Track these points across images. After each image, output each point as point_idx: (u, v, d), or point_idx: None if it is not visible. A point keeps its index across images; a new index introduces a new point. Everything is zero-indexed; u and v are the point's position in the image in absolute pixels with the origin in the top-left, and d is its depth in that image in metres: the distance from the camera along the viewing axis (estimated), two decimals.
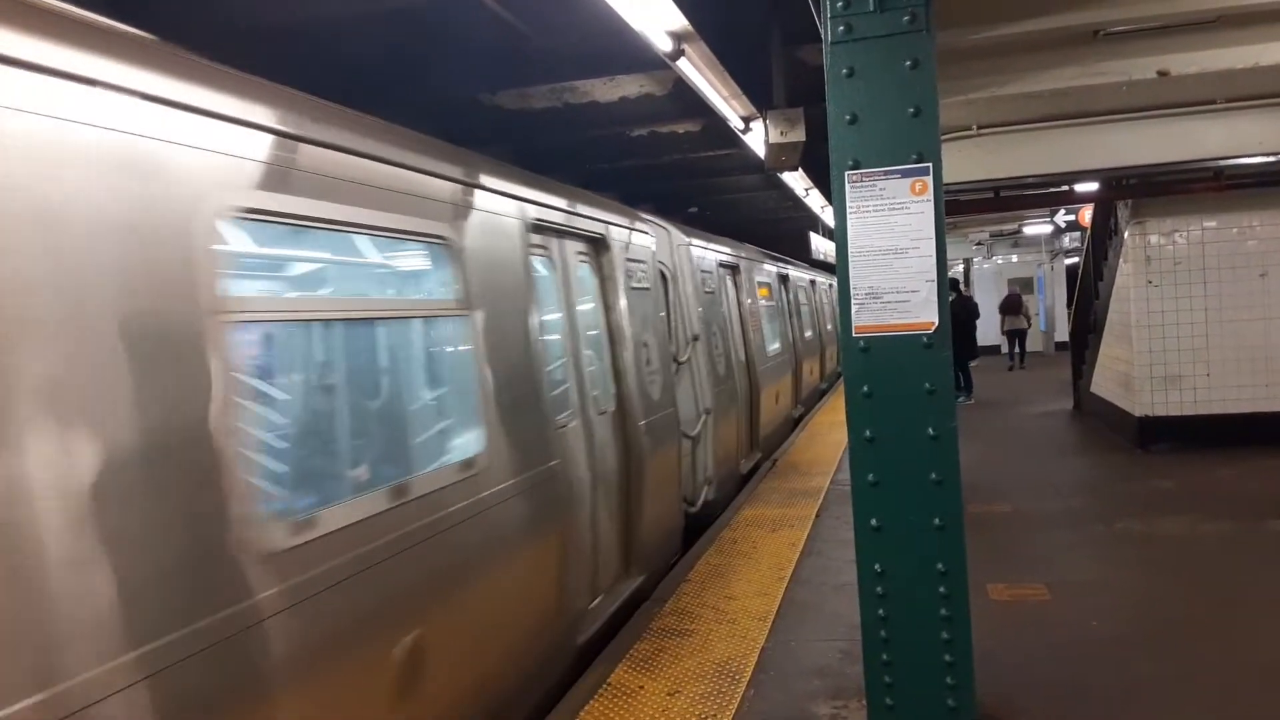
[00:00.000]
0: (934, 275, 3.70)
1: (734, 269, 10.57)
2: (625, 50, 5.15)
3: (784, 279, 14.76)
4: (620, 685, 4.61)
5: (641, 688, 4.57)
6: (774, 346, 12.60)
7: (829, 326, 19.69)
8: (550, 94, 7.11)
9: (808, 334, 16.18)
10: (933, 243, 3.69)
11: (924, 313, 3.72)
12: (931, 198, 3.69)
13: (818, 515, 7.86)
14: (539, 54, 5.68)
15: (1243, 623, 5.06)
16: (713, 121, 7.14)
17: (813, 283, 18.38)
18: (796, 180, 9.87)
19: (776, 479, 9.73)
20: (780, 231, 17.54)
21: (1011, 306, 22.28)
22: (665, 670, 4.76)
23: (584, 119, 7.68)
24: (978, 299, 22.22)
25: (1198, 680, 4.33)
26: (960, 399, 15.46)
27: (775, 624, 5.36)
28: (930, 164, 3.69)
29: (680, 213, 13.17)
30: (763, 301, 12.39)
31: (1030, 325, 22.98)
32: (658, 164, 10.02)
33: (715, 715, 4.22)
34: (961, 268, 27.79)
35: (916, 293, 3.72)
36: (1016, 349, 22.25)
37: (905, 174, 3.71)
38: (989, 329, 23.88)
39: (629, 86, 6.91)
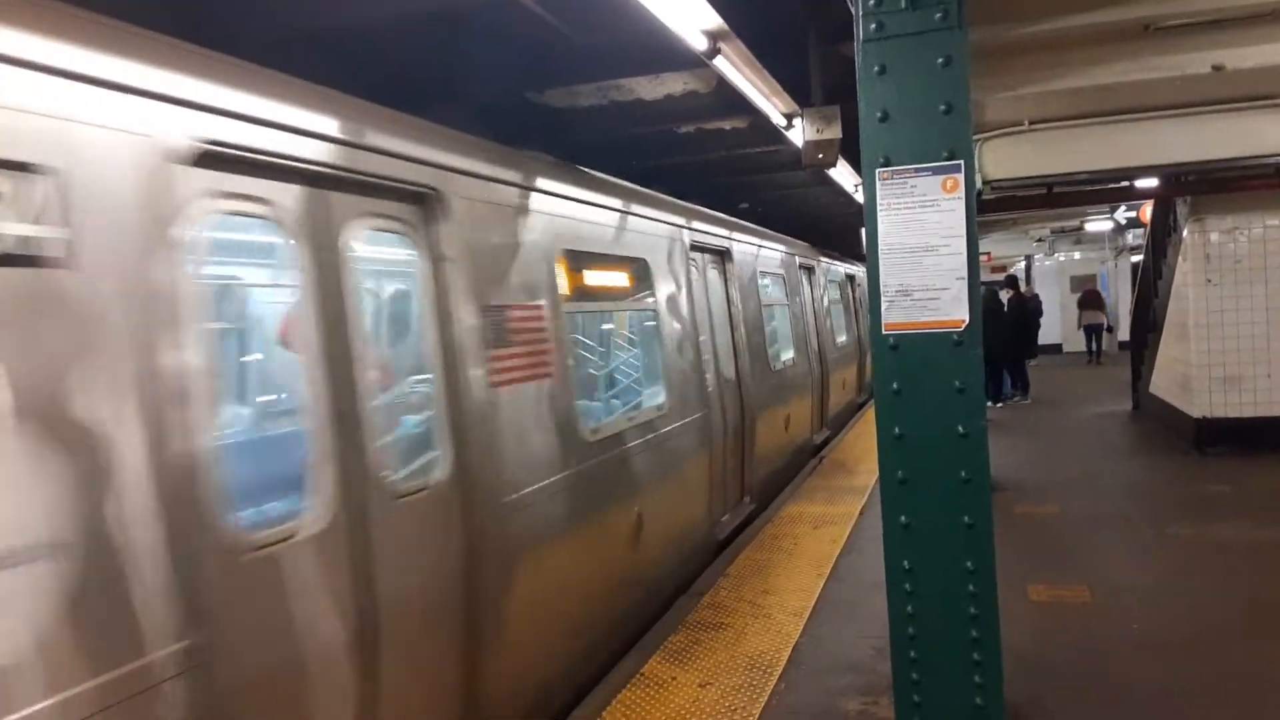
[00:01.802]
0: (964, 273, 3.69)
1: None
2: (666, 49, 5.17)
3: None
4: (653, 676, 4.68)
5: (674, 679, 4.63)
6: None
7: None
8: (597, 92, 7.15)
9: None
10: (963, 240, 3.68)
11: (954, 310, 3.71)
12: (963, 195, 3.68)
13: (861, 513, 7.83)
14: (582, 53, 5.74)
15: None
16: (758, 118, 7.13)
17: None
18: (846, 176, 9.79)
19: (821, 476, 9.71)
20: (833, 228, 17.37)
21: (1090, 301, 22.38)
22: (698, 662, 4.81)
23: (631, 116, 7.71)
24: (1040, 295, 21.95)
25: (1234, 688, 4.26)
26: (1016, 398, 15.23)
27: (810, 620, 5.39)
28: (962, 161, 3.68)
29: (730, 209, 13.14)
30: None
31: (1108, 321, 22.64)
32: (705, 160, 10.00)
33: (745, 707, 4.27)
34: (1022, 265, 27.32)
35: (947, 290, 3.72)
36: (1094, 344, 22.19)
37: (936, 171, 3.70)
38: (1054, 327, 23.61)
39: (673, 84, 6.92)
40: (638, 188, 7.01)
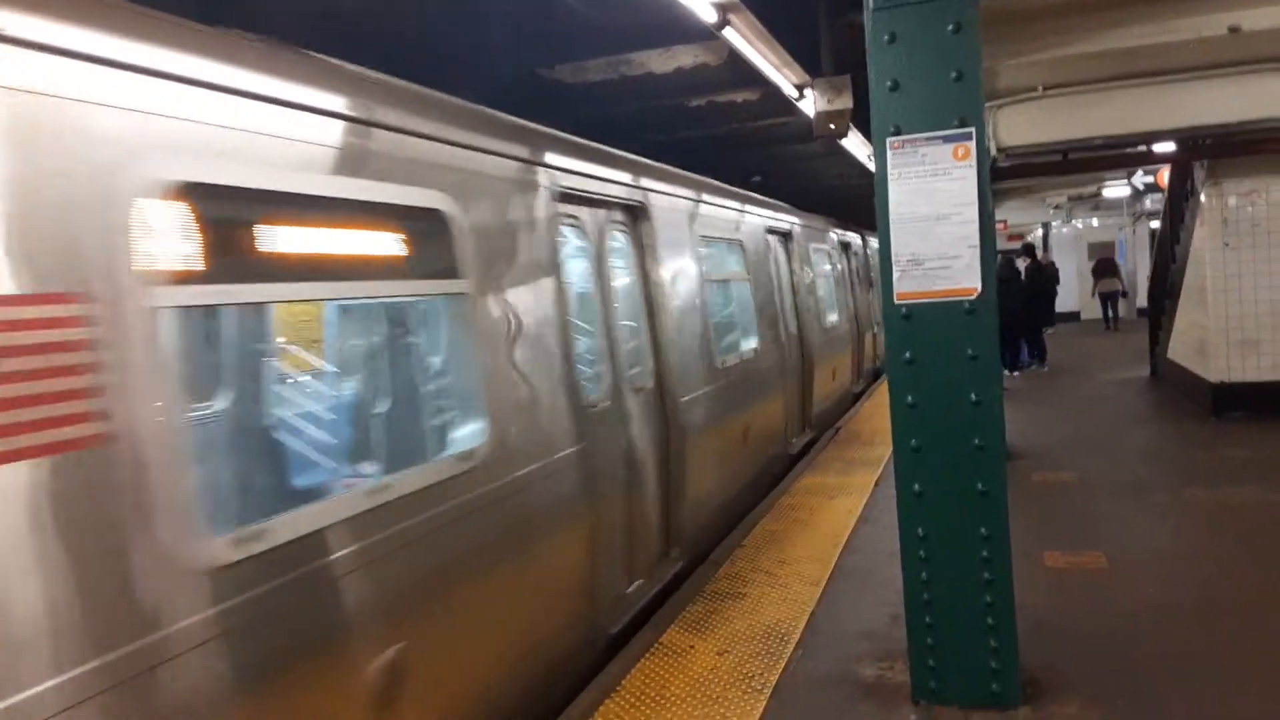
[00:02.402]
0: (976, 241, 3.70)
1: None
2: (676, 21, 5.18)
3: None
4: (672, 645, 4.74)
5: (692, 647, 4.69)
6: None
7: None
8: (607, 66, 7.16)
9: None
10: (975, 208, 3.69)
11: (966, 279, 3.73)
12: (974, 163, 3.68)
13: (877, 484, 7.86)
14: (591, 27, 5.74)
15: None
16: (770, 90, 7.12)
17: None
18: (858, 147, 9.76)
19: (838, 448, 9.74)
20: (847, 198, 17.29)
21: (1105, 269, 22.38)
22: (716, 631, 4.87)
23: (642, 90, 7.72)
24: (1057, 263, 21.84)
25: (1249, 651, 4.27)
26: (1033, 367, 15.19)
27: (827, 588, 5.43)
28: (973, 129, 3.68)
29: (744, 182, 13.10)
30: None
31: (1124, 287, 22.56)
32: (718, 133, 10.00)
33: (762, 674, 4.32)
34: (1040, 232, 27.12)
35: (959, 259, 3.73)
36: (1110, 311, 22.23)
37: (947, 139, 3.71)
38: (1071, 294, 23.50)
39: (684, 57, 6.92)
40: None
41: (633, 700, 4.15)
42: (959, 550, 3.80)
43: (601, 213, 5.51)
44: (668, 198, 6.59)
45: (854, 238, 15.71)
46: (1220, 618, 4.68)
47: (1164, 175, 13.17)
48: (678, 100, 8.39)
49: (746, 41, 5.12)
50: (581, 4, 5.18)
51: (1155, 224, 21.12)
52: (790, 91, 6.34)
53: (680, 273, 6.59)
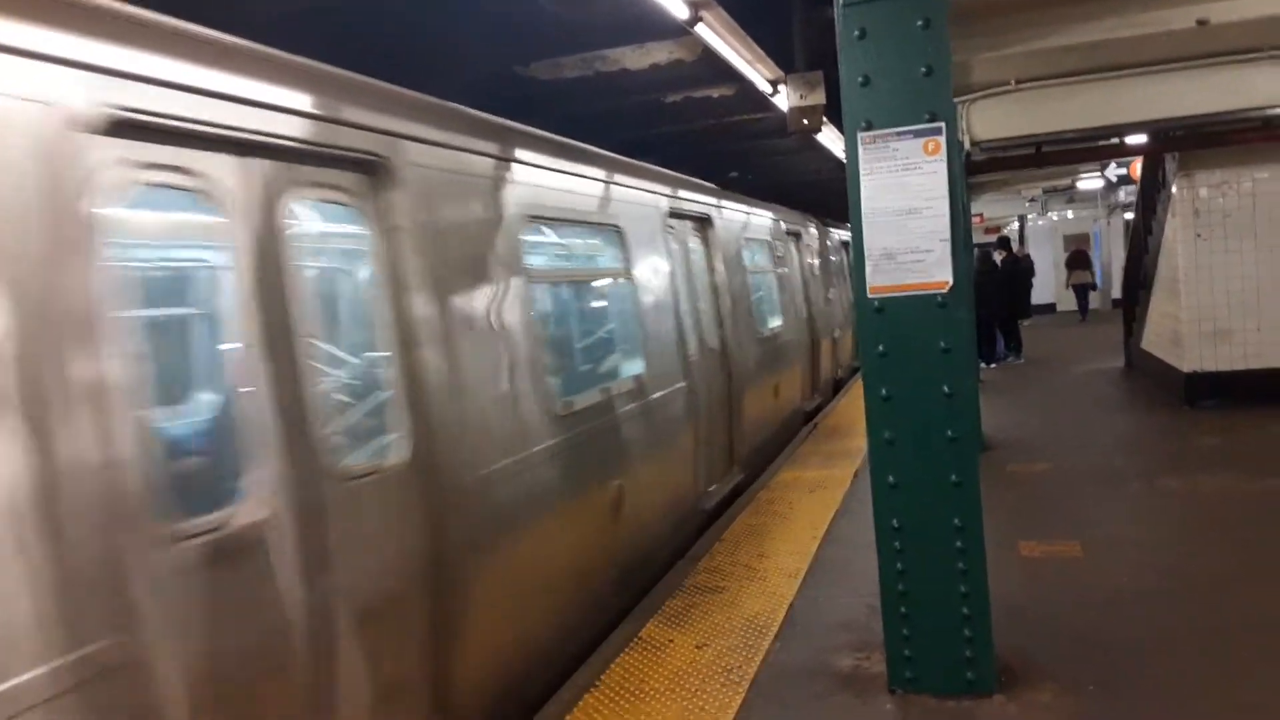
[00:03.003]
0: (947, 235, 3.73)
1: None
2: (649, 17, 5.19)
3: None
4: (651, 639, 4.76)
5: (671, 641, 4.71)
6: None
7: None
8: (581, 63, 7.17)
9: None
10: (945, 202, 3.72)
11: (938, 272, 3.76)
12: (944, 157, 3.71)
13: (855, 476, 7.91)
14: (565, 24, 5.75)
15: (1274, 579, 5.04)
16: (745, 85, 7.14)
17: None
18: (833, 141, 9.80)
19: (817, 441, 9.79)
20: (826, 193, 17.36)
21: (1078, 261, 23.08)
22: (695, 625, 4.90)
23: (617, 87, 7.72)
24: (1034, 256, 22.06)
25: (1222, 635, 4.33)
26: (1010, 359, 15.30)
27: (805, 581, 5.47)
28: (943, 123, 3.71)
29: (720, 178, 13.14)
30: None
31: (1093, 280, 23.15)
32: (694, 129, 10.03)
33: (741, 667, 4.35)
34: (1015, 225, 27.32)
35: (930, 252, 3.76)
36: (1083, 302, 22.96)
37: (918, 134, 3.74)
38: (1047, 286, 23.80)
39: (658, 53, 6.93)
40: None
41: (612, 694, 4.17)
42: (933, 541, 3.83)
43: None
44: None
45: (809, 227, 13.60)
46: (1193, 604, 4.74)
47: (1136, 167, 13.30)
48: (654, 96, 8.41)
49: (719, 37, 5.14)
50: (554, 2, 5.18)
51: (1129, 215, 21.34)
52: (764, 87, 6.37)
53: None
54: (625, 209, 6.05)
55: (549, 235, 5.46)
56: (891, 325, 3.83)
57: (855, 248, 3.86)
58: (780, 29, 5.88)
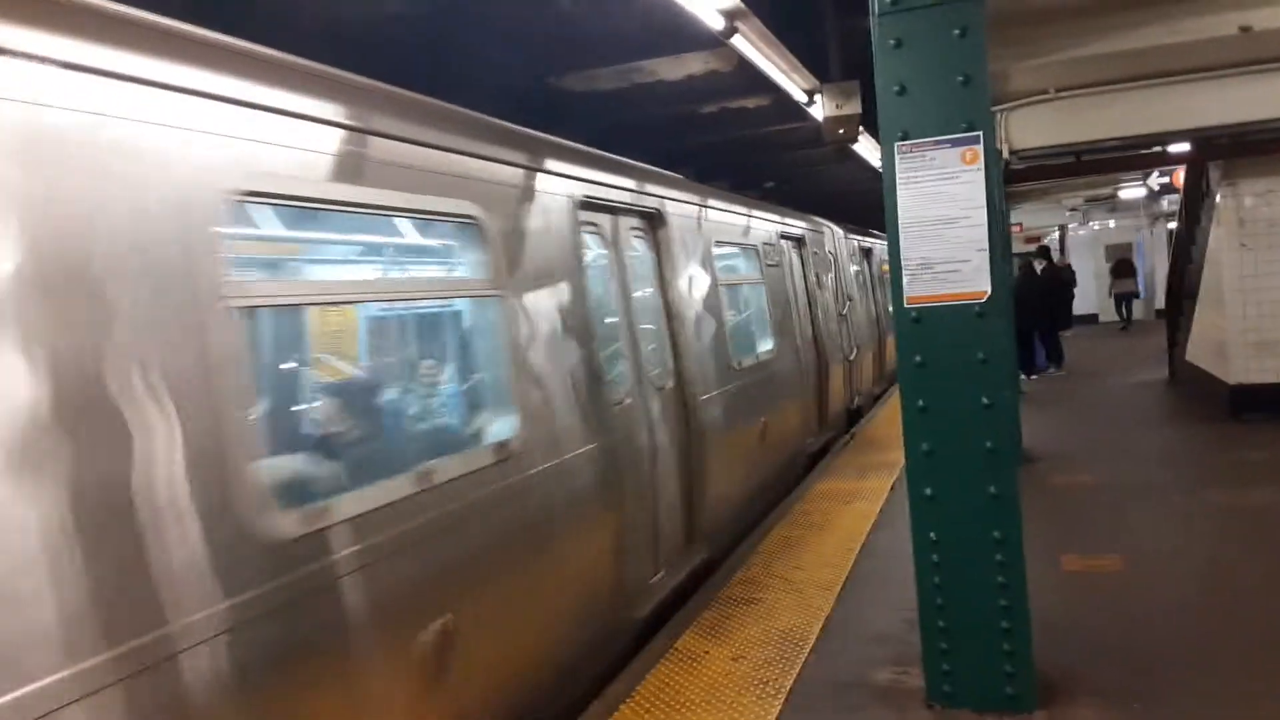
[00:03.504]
0: (985, 244, 3.70)
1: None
2: (685, 28, 5.20)
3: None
4: (686, 650, 4.74)
5: (707, 653, 4.70)
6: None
7: None
8: (617, 75, 7.21)
9: None
10: (983, 212, 3.70)
11: (976, 282, 3.73)
12: (982, 166, 3.68)
13: (893, 488, 7.84)
14: (598, 36, 5.78)
15: None
16: (780, 96, 7.14)
17: None
18: (870, 151, 9.76)
19: (853, 453, 9.73)
20: (864, 203, 17.28)
21: (1123, 270, 23.06)
22: (730, 637, 4.88)
23: (652, 97, 7.75)
24: (1075, 265, 21.82)
25: (1265, 652, 4.24)
26: (1051, 370, 15.10)
27: (842, 594, 5.43)
28: (980, 132, 3.68)
29: (756, 188, 13.13)
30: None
31: (1138, 289, 23.40)
32: (731, 140, 10.04)
33: (777, 679, 4.32)
34: (1056, 235, 27.00)
35: (968, 262, 3.73)
36: (1125, 311, 22.97)
37: (955, 143, 3.71)
38: (1089, 296, 23.58)
39: (694, 64, 6.95)
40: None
41: (648, 705, 4.16)
42: (972, 554, 3.79)
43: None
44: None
45: (817, 230, 11.51)
46: (1237, 618, 4.65)
47: (1179, 176, 13.10)
48: (690, 107, 8.43)
49: (755, 48, 5.14)
50: (589, 13, 5.21)
51: (1172, 225, 21.04)
52: (800, 97, 6.36)
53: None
54: (488, 191, 4.13)
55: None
56: (929, 335, 3.80)
57: (892, 257, 3.84)
58: (816, 38, 5.88)
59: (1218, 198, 9.85)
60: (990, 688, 3.81)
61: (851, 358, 11.92)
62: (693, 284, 6.56)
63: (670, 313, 6.12)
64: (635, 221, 5.94)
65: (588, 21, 5.36)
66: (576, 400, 4.57)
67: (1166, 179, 16.32)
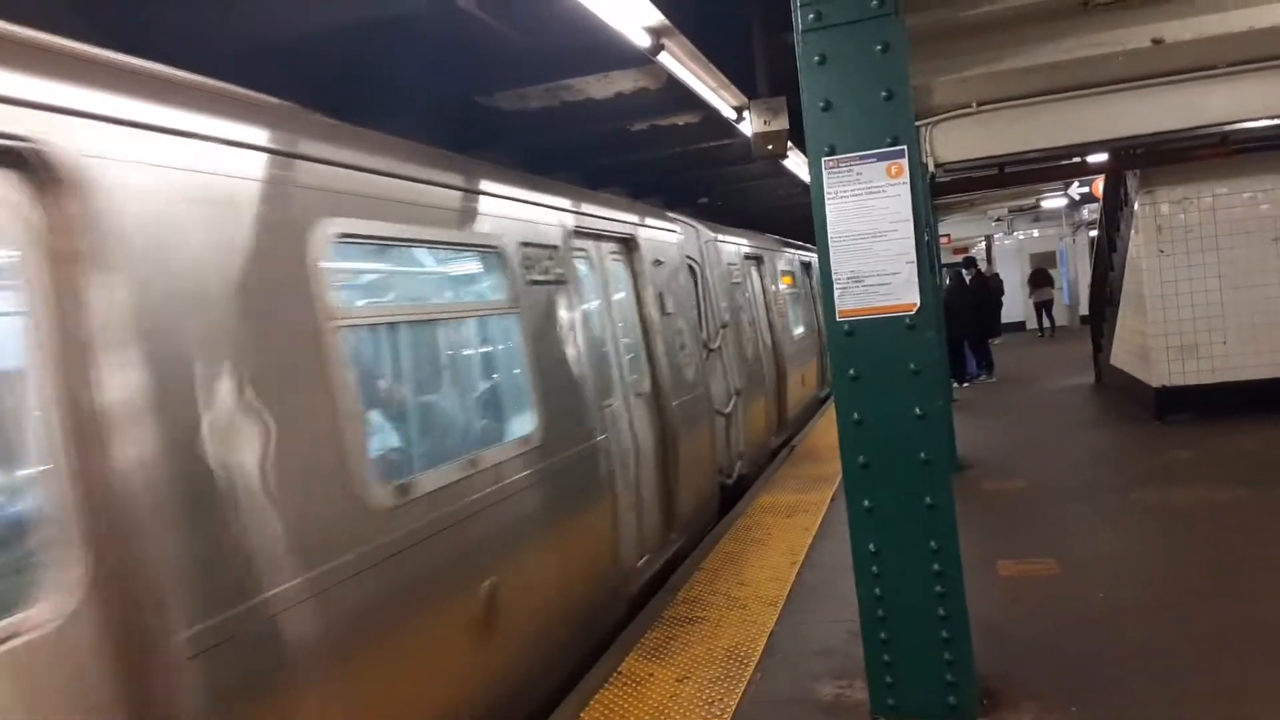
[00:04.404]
0: (913, 257, 3.73)
1: (758, 259, 11.29)
2: (612, 46, 5.18)
3: (807, 266, 15.13)
4: (631, 673, 4.69)
5: (651, 675, 4.65)
6: (799, 330, 13.39)
7: None
8: (546, 93, 7.15)
9: None
10: (910, 224, 3.73)
11: (905, 294, 3.76)
12: (908, 180, 3.72)
13: (833, 499, 7.89)
14: (527, 55, 5.73)
15: (1248, 587, 5.05)
16: (710, 113, 7.16)
17: None
18: (800, 166, 9.85)
19: (793, 466, 9.77)
20: (796, 217, 17.47)
21: (1040, 279, 23.62)
22: (675, 657, 4.83)
23: (582, 116, 7.70)
24: (1001, 275, 22.29)
25: (1198, 648, 4.33)
26: (982, 377, 15.39)
27: (785, 608, 5.42)
28: (905, 146, 3.72)
29: (690, 204, 13.18)
30: (785, 288, 13.04)
31: (1052, 298, 23.71)
32: (662, 157, 10.04)
33: (722, 700, 4.29)
34: (982, 245, 27.60)
35: (897, 274, 3.76)
36: (1046, 319, 23.48)
37: (881, 158, 3.75)
38: (1016, 305, 24.12)
39: (623, 82, 6.93)
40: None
41: None
42: (910, 564, 3.81)
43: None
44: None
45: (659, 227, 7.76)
46: (1170, 617, 4.74)
47: (1099, 185, 13.48)
48: (620, 124, 8.40)
49: (682, 65, 5.15)
50: (516, 31, 5.17)
51: (1094, 233, 21.63)
52: (729, 114, 6.39)
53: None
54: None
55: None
56: (862, 348, 3.82)
57: (823, 271, 3.85)
58: (743, 56, 5.91)
59: (1136, 206, 10.14)
60: (933, 698, 3.82)
61: (727, 410, 8.84)
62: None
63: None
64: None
65: (515, 40, 5.31)
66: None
67: (1087, 189, 16.79)
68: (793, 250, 14.80)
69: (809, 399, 13.66)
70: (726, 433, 8.80)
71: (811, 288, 15.40)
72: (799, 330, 13.59)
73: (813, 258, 15.82)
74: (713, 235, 9.59)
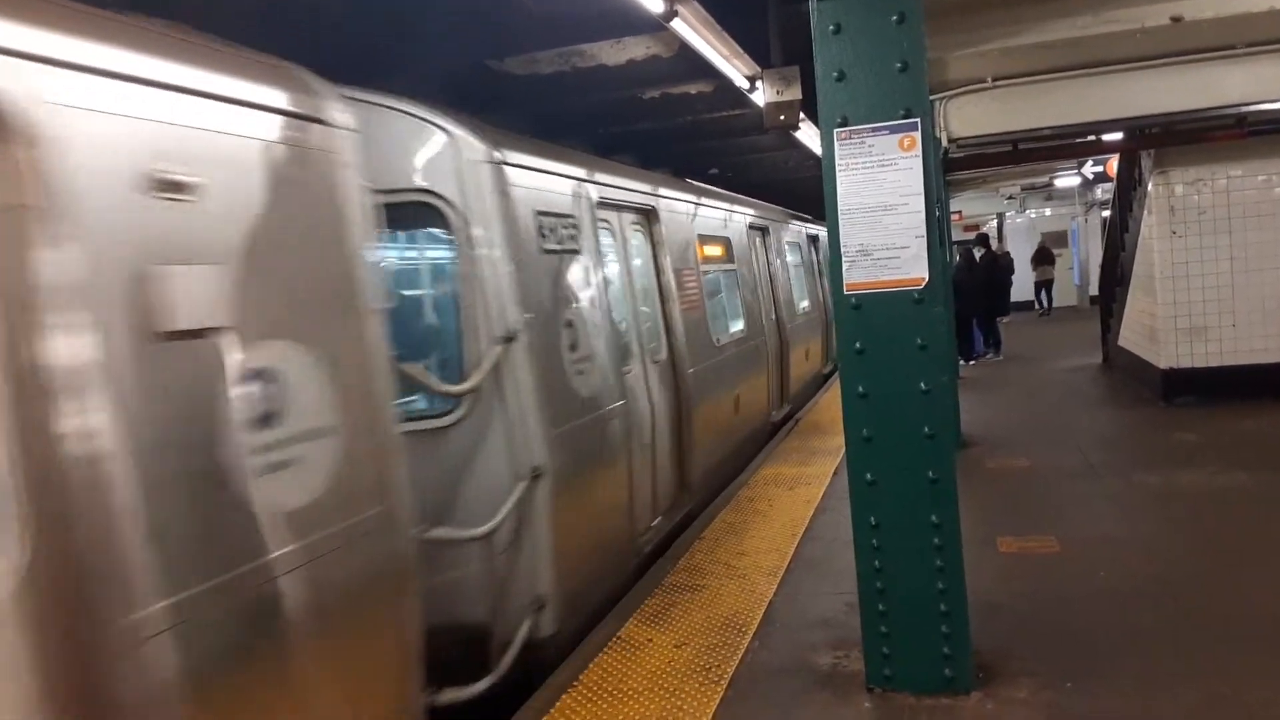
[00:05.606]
0: (923, 231, 3.72)
1: (763, 230, 11.34)
2: (625, 11, 5.14)
3: (814, 239, 15.22)
4: (630, 638, 4.73)
5: (650, 640, 4.69)
6: (804, 304, 13.58)
7: None
8: (558, 58, 7.10)
9: None
10: (921, 198, 3.71)
11: (914, 269, 3.75)
12: (920, 153, 3.69)
13: (835, 473, 7.91)
14: (539, 18, 5.69)
15: (1250, 571, 5.06)
16: (723, 82, 7.11)
17: None
18: (812, 138, 9.78)
19: (798, 438, 9.79)
20: (806, 190, 17.37)
21: (1042, 258, 23.92)
22: (674, 624, 4.87)
23: (594, 82, 7.66)
24: (1012, 253, 22.21)
25: (1196, 629, 4.35)
26: (989, 355, 15.36)
27: (784, 578, 5.45)
28: (918, 119, 3.69)
29: (700, 175, 13.10)
30: (792, 260, 13.26)
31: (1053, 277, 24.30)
32: (672, 126, 9.97)
33: (719, 665, 4.33)
34: (994, 223, 27.46)
35: (906, 249, 3.75)
36: (1045, 299, 23.94)
37: (893, 130, 3.72)
38: (1026, 283, 24.09)
39: (635, 49, 6.87)
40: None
41: (591, 694, 4.14)
42: (911, 538, 3.82)
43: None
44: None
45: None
46: (1169, 598, 4.76)
47: (1113, 164, 13.37)
48: (631, 92, 8.35)
49: (695, 32, 5.10)
50: None
51: (1106, 213, 21.49)
52: (741, 83, 6.34)
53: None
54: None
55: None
56: (868, 322, 3.81)
57: (831, 244, 3.84)
58: (757, 24, 5.85)
59: (1150, 186, 10.06)
60: (929, 671, 3.85)
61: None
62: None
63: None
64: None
65: (527, 3, 5.27)
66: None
67: (1100, 168, 16.65)
68: (798, 224, 14.69)
69: (813, 374, 13.64)
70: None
71: (817, 262, 15.25)
72: (804, 304, 13.47)
73: (820, 231, 15.72)
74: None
